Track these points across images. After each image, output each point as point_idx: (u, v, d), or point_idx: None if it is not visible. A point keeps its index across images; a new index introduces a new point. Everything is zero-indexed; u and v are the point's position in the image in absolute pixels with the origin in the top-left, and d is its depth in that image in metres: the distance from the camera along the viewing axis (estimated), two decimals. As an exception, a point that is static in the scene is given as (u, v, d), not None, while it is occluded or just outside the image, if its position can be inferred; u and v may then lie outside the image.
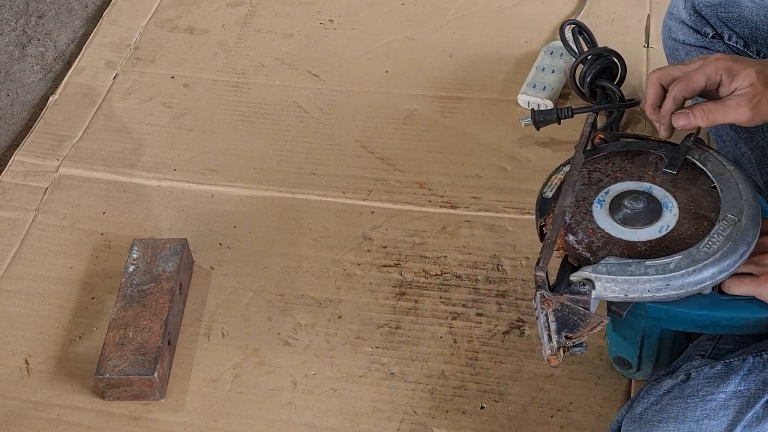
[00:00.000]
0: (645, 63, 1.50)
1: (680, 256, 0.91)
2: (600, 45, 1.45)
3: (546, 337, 0.94)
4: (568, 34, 1.46)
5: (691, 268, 0.90)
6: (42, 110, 1.54)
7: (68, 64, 1.63)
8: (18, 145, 1.48)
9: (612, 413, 1.08)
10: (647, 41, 1.54)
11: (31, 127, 1.51)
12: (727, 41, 1.19)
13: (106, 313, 1.22)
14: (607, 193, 0.99)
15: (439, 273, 1.26)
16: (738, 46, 1.19)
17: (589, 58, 1.41)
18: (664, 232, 0.95)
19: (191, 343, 1.21)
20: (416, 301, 1.23)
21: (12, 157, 1.46)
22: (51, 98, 1.55)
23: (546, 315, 0.93)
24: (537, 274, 0.93)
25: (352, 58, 1.58)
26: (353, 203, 1.36)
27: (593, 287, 0.91)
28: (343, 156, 1.42)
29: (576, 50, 1.45)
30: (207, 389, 1.17)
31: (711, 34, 1.20)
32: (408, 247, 1.29)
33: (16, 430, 1.14)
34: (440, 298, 1.23)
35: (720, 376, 0.91)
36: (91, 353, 1.18)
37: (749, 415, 0.87)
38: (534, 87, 1.45)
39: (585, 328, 0.92)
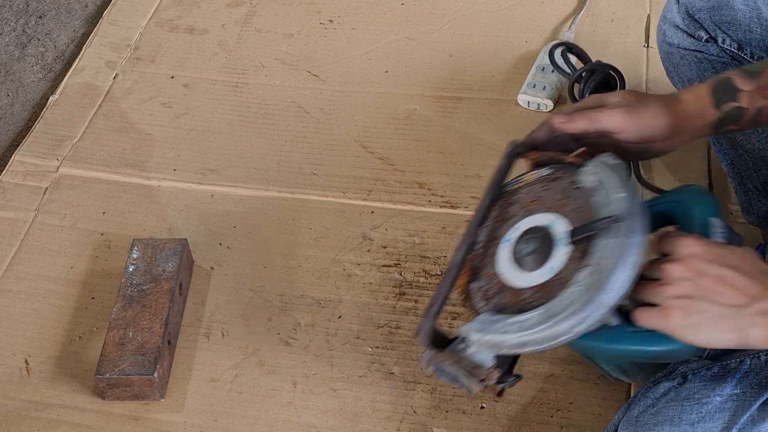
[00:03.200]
0: (645, 63, 1.50)
1: (541, 311, 0.84)
2: (599, 45, 1.44)
3: (463, 383, 0.91)
4: (558, 57, 1.45)
5: (546, 324, 0.83)
6: (42, 110, 1.54)
7: (68, 64, 1.63)
8: (18, 145, 1.48)
9: (611, 413, 1.08)
10: (647, 41, 1.54)
11: (31, 127, 1.51)
12: (721, 44, 1.19)
13: (106, 313, 1.22)
14: (516, 229, 0.92)
15: (439, 273, 1.26)
16: (732, 49, 1.19)
17: (583, 75, 1.40)
18: (549, 276, 0.87)
19: (191, 343, 1.21)
20: (416, 301, 1.23)
21: (12, 157, 1.46)
22: (51, 98, 1.55)
23: (446, 367, 0.90)
24: (418, 337, 0.90)
25: (352, 58, 1.59)
26: (353, 203, 1.36)
27: (468, 344, 0.88)
28: (343, 156, 1.42)
29: (568, 70, 1.43)
30: (207, 389, 1.17)
31: (705, 37, 1.20)
32: (408, 247, 1.29)
33: (16, 430, 1.14)
34: (440, 298, 1.23)
35: (716, 379, 0.90)
36: (91, 353, 1.18)
37: (744, 417, 0.87)
38: (534, 87, 1.45)
39: (479, 378, 0.89)
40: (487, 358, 0.89)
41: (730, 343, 0.82)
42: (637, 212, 0.85)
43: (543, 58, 1.49)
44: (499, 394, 0.96)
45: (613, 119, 0.94)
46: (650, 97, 0.98)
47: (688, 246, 0.84)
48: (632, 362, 0.95)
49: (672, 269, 0.83)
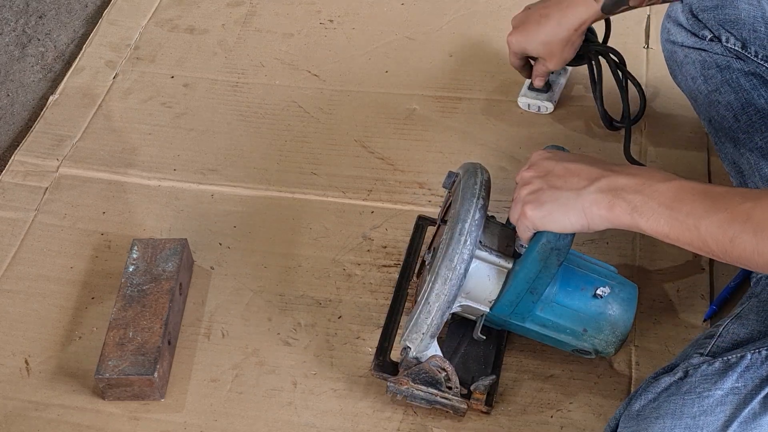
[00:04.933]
0: (645, 63, 1.50)
1: (427, 278, 1.04)
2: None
3: (444, 403, 1.08)
4: None
5: (431, 281, 1.01)
6: (42, 110, 1.54)
7: (68, 64, 1.63)
8: (18, 145, 1.48)
9: (611, 413, 1.08)
10: (647, 42, 1.54)
11: (31, 127, 1.51)
12: (725, 43, 1.19)
13: (106, 313, 1.22)
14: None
15: (439, 273, 1.25)
16: (736, 48, 1.18)
17: None
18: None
19: (191, 343, 1.21)
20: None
21: (12, 157, 1.46)
22: (51, 98, 1.55)
23: (414, 390, 1.07)
24: (373, 372, 1.11)
25: (352, 58, 1.59)
26: (353, 203, 1.36)
27: (407, 348, 1.04)
28: (343, 156, 1.42)
29: None
30: (207, 389, 1.17)
31: (709, 36, 1.20)
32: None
33: (16, 430, 1.14)
34: (440, 298, 1.23)
35: (718, 374, 0.91)
36: (91, 353, 1.18)
37: (746, 411, 0.88)
38: (533, 90, 1.45)
39: (443, 372, 1.05)
40: (429, 351, 1.04)
41: (577, 225, 0.93)
42: (474, 168, 1.05)
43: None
44: (487, 403, 1.03)
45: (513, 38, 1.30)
46: (549, 17, 1.26)
47: (538, 154, 0.99)
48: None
49: (524, 173, 0.98)
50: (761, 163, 1.17)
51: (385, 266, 1.28)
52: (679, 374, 0.93)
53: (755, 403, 0.88)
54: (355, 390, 1.15)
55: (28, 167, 1.44)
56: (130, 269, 1.22)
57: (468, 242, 0.99)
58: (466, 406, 1.08)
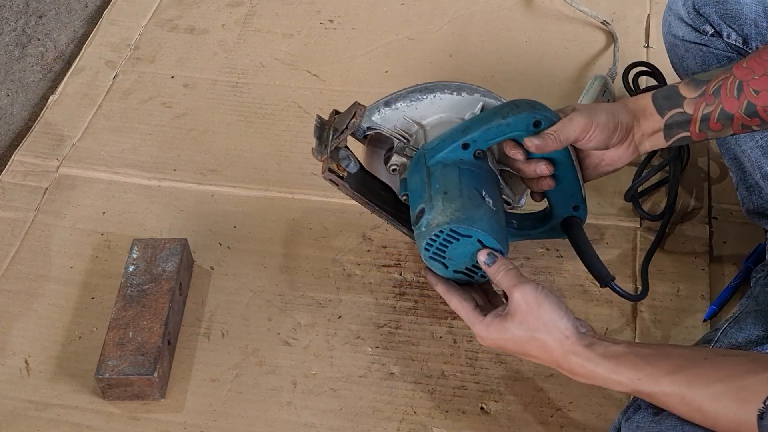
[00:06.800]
0: (645, 63, 1.50)
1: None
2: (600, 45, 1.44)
3: (318, 145, 1.10)
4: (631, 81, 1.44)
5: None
6: (42, 110, 1.54)
7: (68, 64, 1.63)
8: (18, 145, 1.48)
9: (611, 412, 1.09)
10: (647, 41, 1.54)
11: (31, 127, 1.51)
12: (726, 39, 1.18)
13: (106, 313, 1.22)
14: None
15: (439, 273, 1.25)
16: (737, 44, 1.18)
17: None
18: None
19: (191, 343, 1.21)
20: (416, 301, 1.23)
21: (12, 157, 1.46)
22: (51, 98, 1.55)
23: (327, 126, 1.11)
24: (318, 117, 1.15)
25: (352, 58, 1.59)
26: (353, 203, 1.35)
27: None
28: (343, 156, 1.42)
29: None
30: (207, 389, 1.17)
31: (710, 32, 1.18)
32: (408, 247, 1.29)
33: (16, 430, 1.14)
34: (440, 298, 1.23)
35: None
36: (91, 353, 1.18)
37: None
38: None
39: (349, 116, 1.10)
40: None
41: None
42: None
43: (598, 96, 1.40)
44: (331, 170, 1.09)
45: (578, 125, 1.03)
46: (601, 104, 1.08)
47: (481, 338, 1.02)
48: None
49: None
50: (762, 161, 1.16)
51: (385, 266, 1.28)
52: None
53: None
54: (355, 390, 1.15)
55: (28, 167, 1.44)
56: (130, 269, 1.22)
57: (479, 90, 1.13)
58: (319, 161, 1.10)
